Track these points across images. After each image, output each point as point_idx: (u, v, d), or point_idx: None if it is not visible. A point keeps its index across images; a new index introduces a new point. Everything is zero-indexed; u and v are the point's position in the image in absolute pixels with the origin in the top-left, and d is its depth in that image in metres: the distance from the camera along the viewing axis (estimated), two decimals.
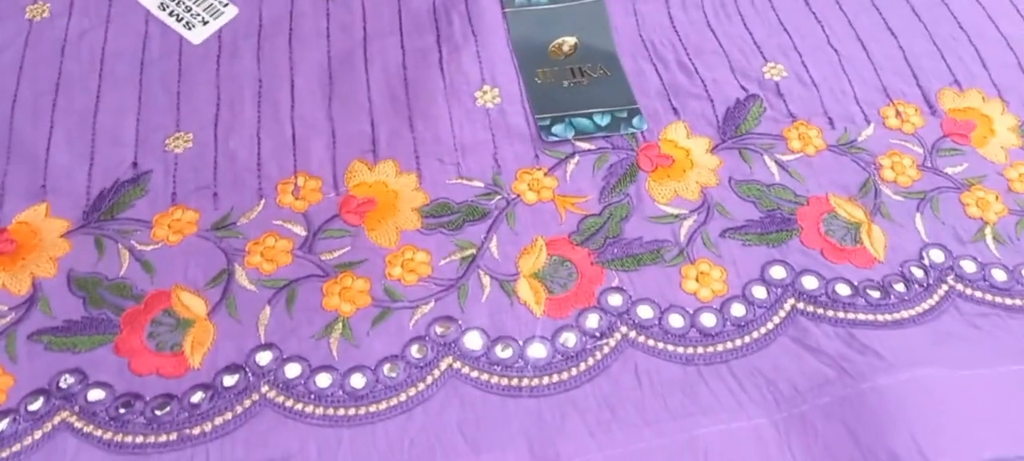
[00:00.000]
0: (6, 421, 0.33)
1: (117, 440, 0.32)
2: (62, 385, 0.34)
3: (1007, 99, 0.44)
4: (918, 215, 0.39)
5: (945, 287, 0.37)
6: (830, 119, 0.43)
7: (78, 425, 0.33)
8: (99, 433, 0.33)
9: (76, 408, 0.33)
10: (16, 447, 0.32)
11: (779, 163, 0.41)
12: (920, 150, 0.42)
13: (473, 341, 0.35)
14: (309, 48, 0.45)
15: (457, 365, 0.35)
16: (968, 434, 0.31)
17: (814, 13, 0.47)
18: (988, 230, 0.39)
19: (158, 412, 0.33)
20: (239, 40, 0.45)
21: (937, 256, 0.38)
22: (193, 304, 0.36)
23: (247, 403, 0.33)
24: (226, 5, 0.45)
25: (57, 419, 0.33)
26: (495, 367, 0.35)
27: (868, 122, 0.43)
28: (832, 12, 0.48)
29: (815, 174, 0.41)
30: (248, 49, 0.45)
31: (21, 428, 0.33)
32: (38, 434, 0.32)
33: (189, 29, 0.45)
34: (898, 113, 0.43)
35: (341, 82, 0.44)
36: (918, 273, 0.37)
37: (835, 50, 0.46)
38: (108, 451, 0.32)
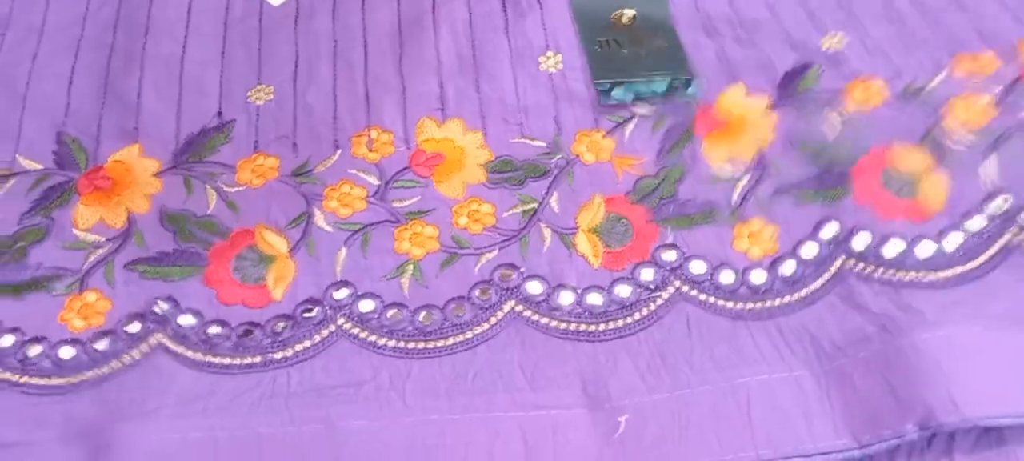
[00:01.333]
0: (106, 341, 0.36)
1: (207, 360, 0.35)
2: (156, 310, 0.37)
3: None
4: (985, 161, 0.40)
5: (1006, 238, 0.38)
6: (897, 70, 0.44)
7: (171, 346, 0.36)
8: (190, 354, 0.36)
9: (169, 331, 0.36)
10: (116, 364, 0.35)
11: (840, 116, 0.42)
12: (998, 88, 0.42)
13: (534, 287, 0.38)
14: (380, 10, 0.48)
15: (519, 308, 0.37)
16: (1002, 389, 0.33)
17: None
18: None
19: (244, 338, 0.36)
20: (315, 2, 0.48)
21: (1002, 204, 0.38)
22: (275, 242, 0.39)
23: (325, 333, 0.36)
24: None
25: (152, 340, 0.36)
26: (554, 312, 0.37)
27: (939, 70, 0.43)
28: None
29: (877, 125, 0.42)
30: (324, 10, 0.47)
31: (119, 347, 0.36)
32: (136, 353, 0.36)
33: None
34: (972, 58, 0.43)
35: (411, 43, 0.46)
36: (976, 224, 0.38)
37: (896, 22, 0.46)
38: (200, 370, 0.35)
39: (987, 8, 0.46)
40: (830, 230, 0.39)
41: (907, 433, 0.33)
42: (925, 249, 0.38)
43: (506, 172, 0.41)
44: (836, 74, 0.44)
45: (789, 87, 0.44)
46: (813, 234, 0.39)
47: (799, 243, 0.39)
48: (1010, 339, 0.35)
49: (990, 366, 0.34)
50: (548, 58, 0.46)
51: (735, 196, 0.40)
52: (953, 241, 0.38)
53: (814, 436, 0.33)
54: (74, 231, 0.39)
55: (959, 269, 0.37)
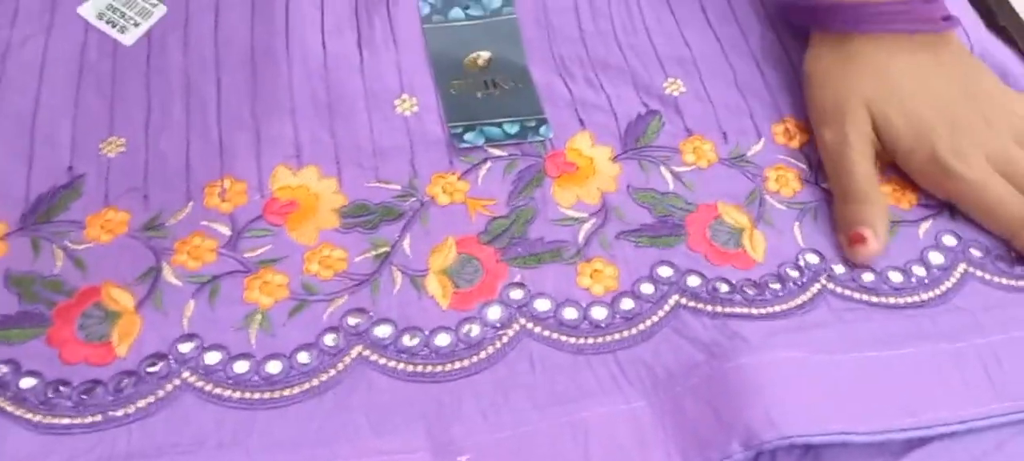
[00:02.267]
0: None
1: (46, 422, 0.35)
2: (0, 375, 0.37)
3: None
4: (797, 224, 0.43)
5: (817, 286, 0.41)
6: (724, 133, 0.47)
7: (9, 408, 0.35)
8: (28, 416, 0.35)
9: (9, 394, 0.36)
10: None
11: (674, 173, 0.45)
12: (805, 165, 0.46)
13: (383, 331, 0.38)
14: (232, 40, 0.47)
15: (367, 353, 0.38)
16: (817, 409, 0.35)
17: (713, 28, 0.51)
18: None
19: (85, 396, 0.36)
20: (167, 35, 0.48)
21: (813, 259, 0.42)
22: (121, 298, 0.39)
23: (169, 388, 0.36)
24: (156, 4, 0.48)
25: None
26: (401, 354, 0.38)
27: (760, 137, 0.47)
28: (730, 29, 0.52)
29: (706, 183, 0.45)
30: (175, 43, 0.47)
31: None
32: None
33: (122, 32, 0.47)
34: (787, 130, 0.47)
35: (264, 80, 0.46)
36: (793, 273, 0.41)
37: (731, 66, 0.50)
38: (37, 431, 0.35)
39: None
40: (665, 271, 0.41)
41: (733, 452, 0.34)
42: (749, 290, 0.40)
43: (360, 216, 0.42)
44: (673, 130, 0.47)
45: (631, 140, 0.46)
46: (650, 274, 0.41)
47: (637, 281, 0.41)
48: (825, 365, 0.37)
49: (806, 388, 0.36)
50: (403, 101, 0.47)
51: (581, 236, 0.42)
52: (775, 285, 0.41)
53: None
54: None
55: (780, 306, 0.40)
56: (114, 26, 0.47)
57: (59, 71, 0.47)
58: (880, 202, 0.43)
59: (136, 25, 0.47)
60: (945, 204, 0.44)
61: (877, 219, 0.42)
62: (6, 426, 0.35)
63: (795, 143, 0.47)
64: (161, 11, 0.48)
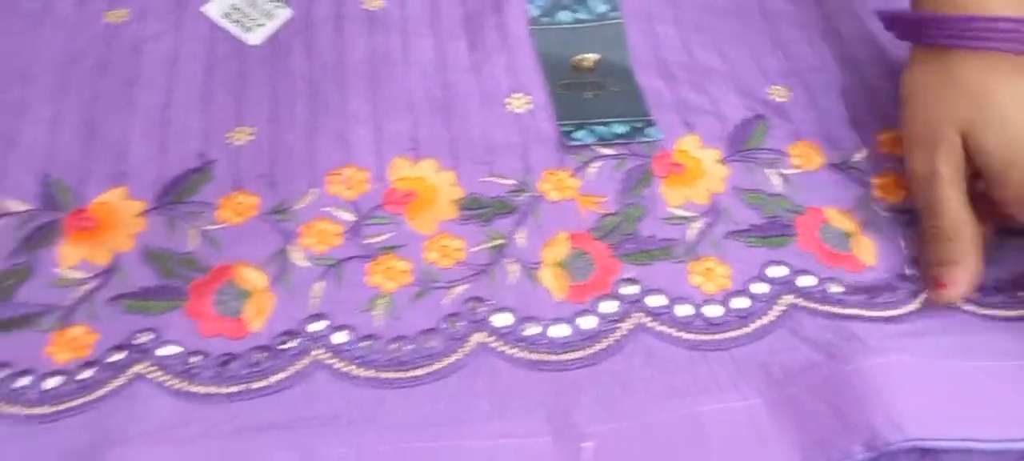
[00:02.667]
0: (90, 371, 0.37)
1: (187, 390, 0.37)
2: (137, 341, 0.39)
3: None
4: (903, 231, 0.44)
5: (925, 293, 0.42)
6: (830, 139, 0.48)
7: (152, 376, 0.37)
8: (171, 383, 0.37)
9: (151, 361, 0.38)
10: (100, 392, 0.37)
11: (782, 176, 0.46)
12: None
13: (502, 319, 0.40)
14: (353, 49, 0.50)
15: (488, 340, 0.39)
16: (940, 414, 0.36)
17: (814, 42, 0.52)
18: None
19: (222, 368, 0.38)
20: (292, 41, 0.50)
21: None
22: (253, 277, 0.41)
23: (301, 364, 0.38)
24: (280, 7, 0.51)
25: (134, 370, 0.37)
26: (520, 343, 0.39)
27: (864, 145, 0.48)
28: (833, 41, 0.52)
29: (813, 187, 0.45)
30: (299, 48, 0.50)
31: (103, 376, 0.37)
32: (117, 382, 0.37)
33: (247, 32, 0.50)
34: (892, 139, 0.48)
35: (383, 82, 0.48)
36: (903, 280, 0.42)
37: (835, 78, 0.50)
38: (179, 399, 0.37)
39: None
40: (777, 271, 0.42)
41: (854, 454, 0.35)
42: (862, 293, 0.41)
43: (475, 209, 0.44)
44: (781, 133, 0.47)
45: (737, 143, 0.47)
46: (761, 274, 0.42)
47: (749, 281, 0.41)
48: (944, 369, 0.37)
49: (928, 392, 0.37)
50: (515, 100, 0.48)
51: (690, 235, 0.43)
52: (885, 290, 0.41)
53: (770, 458, 0.36)
54: (57, 270, 0.41)
55: (893, 311, 0.40)
56: (239, 26, 0.50)
57: (189, 66, 0.49)
58: (970, 236, 0.41)
59: (261, 26, 0.50)
60: None
61: (967, 256, 0.40)
62: (149, 393, 0.37)
63: (900, 152, 0.47)
64: (285, 14, 0.50)
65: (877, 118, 0.49)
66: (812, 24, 0.54)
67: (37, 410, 0.36)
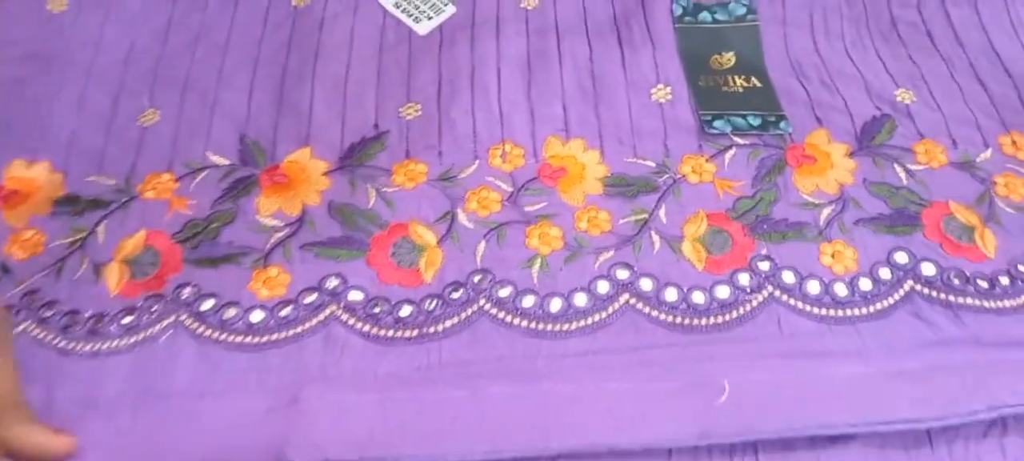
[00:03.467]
0: (288, 309, 0.43)
1: (374, 333, 0.42)
2: (328, 285, 0.44)
3: None
4: None
5: None
6: (953, 140, 0.50)
7: (344, 318, 0.43)
8: (360, 325, 0.42)
9: (341, 304, 0.43)
10: (298, 329, 0.42)
11: (907, 171, 0.49)
12: None
13: (646, 284, 0.44)
14: (511, 43, 0.55)
15: (633, 301, 0.43)
16: None
17: (939, 51, 0.55)
18: None
19: (401, 314, 0.43)
20: (456, 33, 0.55)
21: None
22: (425, 234, 0.46)
23: (469, 312, 0.43)
24: (446, 4, 0.56)
25: (327, 311, 0.43)
26: (662, 306, 0.43)
27: (987, 146, 0.50)
28: (954, 51, 0.55)
29: (937, 183, 0.48)
30: (463, 40, 0.55)
31: (300, 315, 0.43)
32: (314, 322, 0.42)
33: (416, 22, 0.55)
34: (1014, 142, 0.50)
35: (538, 71, 0.53)
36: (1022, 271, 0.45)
37: (958, 84, 0.53)
38: (367, 340, 0.42)
39: None
40: (901, 257, 0.45)
41: (977, 412, 0.38)
42: (982, 283, 0.43)
43: (620, 186, 0.48)
44: (906, 132, 0.50)
45: (865, 139, 0.50)
46: (887, 259, 0.45)
47: (875, 265, 0.44)
48: None
49: None
50: (659, 90, 0.52)
51: (822, 220, 0.46)
52: (1004, 280, 0.44)
53: (892, 410, 0.39)
54: (257, 217, 0.46)
55: (1010, 302, 0.43)
56: (409, 16, 0.55)
57: (364, 46, 0.55)
58: None
59: (429, 18, 0.55)
60: None
61: None
62: (341, 334, 0.42)
63: (1022, 155, 0.49)
64: (450, 10, 0.56)
65: (998, 122, 0.51)
66: (938, 34, 0.56)
67: (246, 339, 0.42)
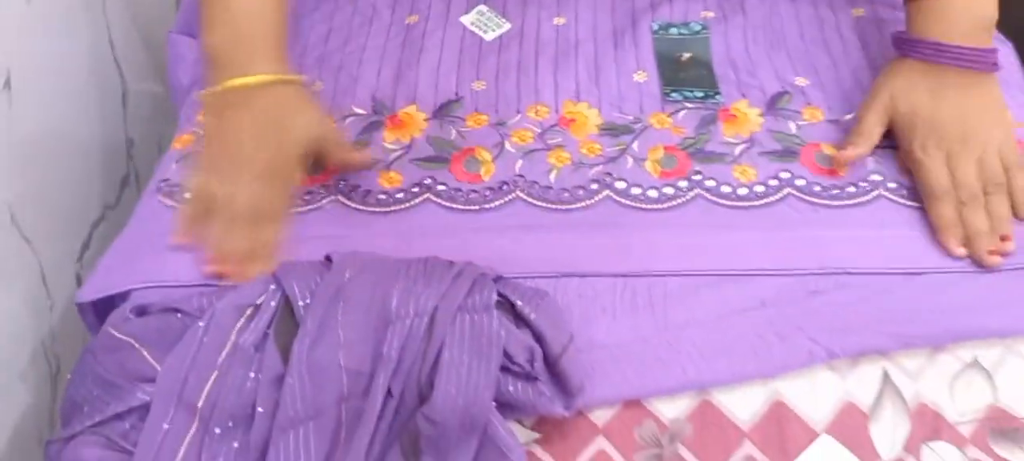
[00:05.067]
0: (402, 194, 0.69)
1: (456, 208, 0.68)
2: (425, 182, 0.70)
3: None
4: (872, 156, 0.70)
5: (875, 192, 0.67)
6: (829, 107, 0.74)
7: (434, 199, 0.69)
8: (449, 204, 0.68)
9: (433, 192, 0.69)
10: (407, 205, 0.68)
11: (797, 125, 0.73)
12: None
13: (620, 185, 0.68)
14: (545, 47, 0.81)
15: (610, 194, 0.68)
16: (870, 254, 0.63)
17: (830, 54, 0.80)
18: None
19: (469, 197, 0.68)
20: (511, 40, 0.83)
21: (876, 177, 0.69)
22: (485, 155, 0.72)
23: (510, 197, 0.68)
24: (504, 23, 0.83)
25: (425, 196, 0.69)
26: (629, 198, 0.67)
27: (850, 112, 0.74)
28: (839, 53, 0.79)
29: (815, 132, 0.72)
30: (514, 44, 0.82)
31: (409, 197, 0.69)
32: (417, 201, 0.69)
33: (485, 33, 0.83)
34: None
35: (561, 62, 0.79)
36: (863, 185, 0.68)
37: (836, 73, 0.77)
38: (454, 214, 0.67)
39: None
40: (785, 174, 0.69)
41: (811, 269, 0.62)
42: (835, 190, 0.67)
43: (610, 130, 0.74)
44: (797, 102, 0.76)
45: (772, 105, 0.76)
46: (776, 175, 0.69)
47: (768, 178, 0.69)
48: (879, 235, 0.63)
49: (865, 243, 0.63)
50: (639, 74, 0.79)
51: (737, 152, 0.71)
52: (850, 189, 0.68)
53: (767, 261, 0.63)
54: (383, 143, 0.74)
55: (849, 202, 0.67)
56: (480, 29, 0.83)
57: (451, 46, 0.83)
58: (869, 137, 0.69)
59: (494, 31, 0.83)
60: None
61: (862, 144, 0.69)
62: (433, 209, 0.68)
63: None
64: (507, 26, 0.84)
65: (861, 95, 0.75)
66: (829, 40, 0.81)
67: (377, 208, 0.69)
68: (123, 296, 0.64)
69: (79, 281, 0.87)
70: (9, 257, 0.77)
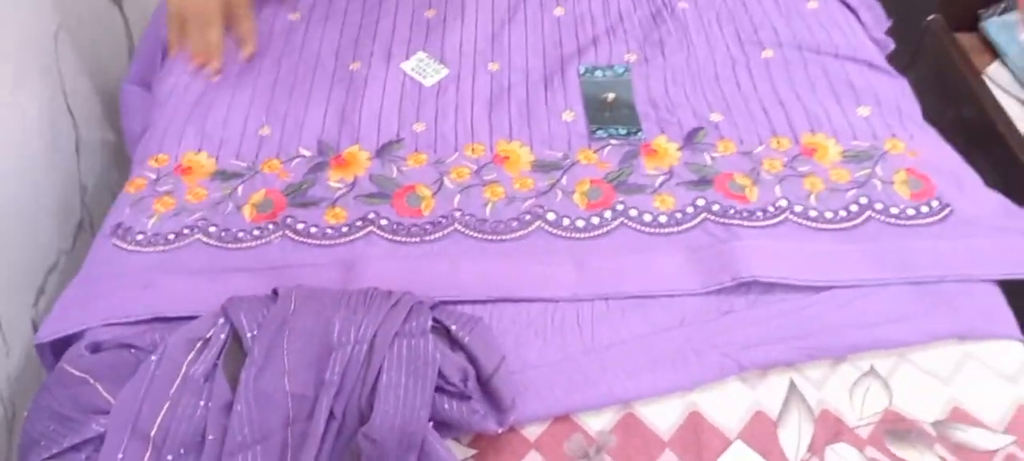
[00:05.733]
0: (347, 227, 0.73)
1: (394, 239, 0.71)
2: (368, 217, 0.73)
3: None
4: (778, 186, 0.75)
5: (785, 218, 0.72)
6: (741, 140, 0.80)
7: (377, 232, 0.72)
8: (387, 236, 0.72)
9: (376, 226, 0.72)
10: (352, 237, 0.72)
11: (711, 157, 0.79)
12: (785, 159, 0.78)
13: (551, 216, 0.73)
14: (481, 90, 0.86)
15: (542, 226, 0.72)
16: (776, 265, 0.67)
17: (741, 91, 0.86)
18: None
19: (409, 230, 0.72)
20: (448, 84, 0.88)
21: (783, 203, 0.74)
22: (425, 191, 0.75)
23: (448, 230, 0.71)
24: (442, 68, 0.88)
25: (368, 230, 0.72)
26: (558, 228, 0.72)
27: (761, 143, 0.80)
28: (746, 94, 0.86)
29: (726, 163, 0.78)
30: (452, 88, 0.87)
31: (353, 230, 0.72)
32: (361, 234, 0.72)
33: (424, 79, 0.87)
34: (777, 142, 0.80)
35: (496, 104, 0.84)
36: (771, 208, 0.73)
37: (748, 111, 0.83)
38: (391, 244, 0.71)
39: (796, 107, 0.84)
40: (701, 201, 0.74)
41: (725, 281, 0.67)
42: (747, 213, 0.73)
43: (541, 166, 0.79)
44: (713, 135, 0.81)
45: (689, 140, 0.81)
46: (693, 202, 0.74)
47: (685, 205, 0.74)
48: (785, 248, 0.69)
49: (769, 256, 0.68)
50: (567, 113, 0.84)
51: (656, 184, 0.77)
52: (759, 214, 0.73)
53: (685, 281, 0.68)
54: (329, 182, 0.78)
55: (762, 224, 0.72)
56: (420, 75, 0.88)
57: (392, 91, 0.87)
58: None
59: (432, 76, 0.88)
60: None
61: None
62: (376, 239, 0.72)
63: (781, 149, 0.79)
64: (445, 71, 0.89)
65: (769, 131, 0.82)
66: (741, 79, 0.87)
67: (323, 242, 0.73)
68: (78, 336, 0.67)
69: (35, 327, 0.88)
70: None
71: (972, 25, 1.35)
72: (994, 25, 1.30)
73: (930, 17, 1.39)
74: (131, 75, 0.92)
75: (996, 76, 1.26)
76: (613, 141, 0.81)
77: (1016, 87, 1.23)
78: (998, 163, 1.18)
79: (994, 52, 1.28)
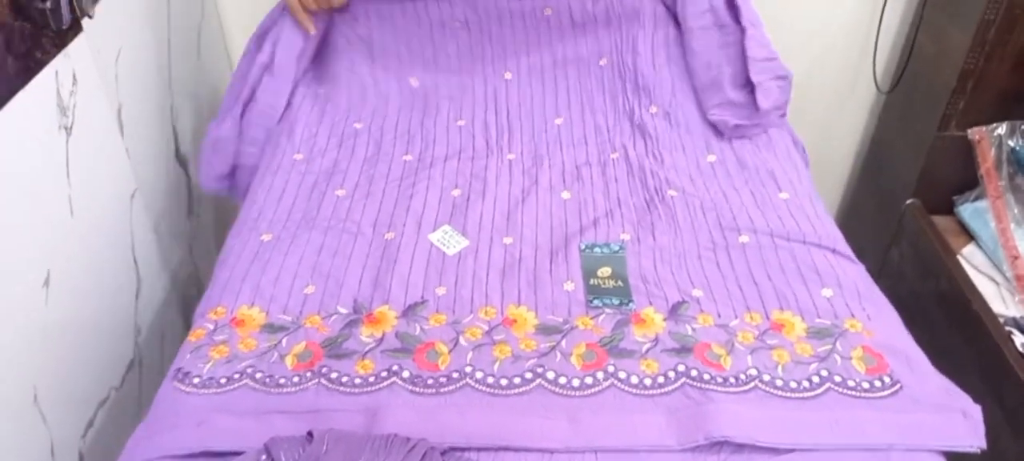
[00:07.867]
0: (374, 377, 0.83)
1: (414, 390, 0.82)
2: (392, 368, 0.84)
3: None
4: (750, 355, 0.85)
5: (756, 382, 0.82)
6: (719, 314, 0.90)
7: (399, 384, 0.82)
8: (409, 388, 0.82)
9: (399, 378, 0.83)
10: (378, 386, 0.82)
11: (692, 327, 0.88)
12: (756, 333, 0.88)
13: (551, 375, 0.82)
14: (496, 262, 0.98)
15: (543, 384, 0.82)
16: (753, 429, 0.75)
17: (720, 270, 0.97)
18: None
19: (427, 383, 0.83)
20: (468, 254, 0.99)
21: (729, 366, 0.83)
22: (441, 348, 0.86)
23: (462, 384, 0.81)
24: (463, 240, 1.00)
25: (391, 381, 0.82)
26: (557, 386, 0.82)
27: (736, 317, 0.90)
28: (727, 271, 0.96)
29: (706, 334, 0.87)
30: (471, 259, 0.98)
31: (379, 381, 0.82)
32: (386, 385, 0.82)
33: (447, 249, 0.99)
34: (751, 317, 0.90)
35: (507, 276, 0.96)
36: (747, 378, 0.83)
37: (726, 289, 0.94)
38: (414, 395, 0.81)
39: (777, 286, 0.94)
40: (681, 367, 0.84)
41: (699, 439, 0.75)
42: (732, 380, 0.82)
43: (544, 329, 0.88)
44: (694, 309, 0.91)
45: (673, 311, 0.91)
46: (674, 367, 0.84)
47: (668, 370, 0.83)
48: (760, 414, 0.78)
49: (744, 420, 0.77)
50: (568, 283, 0.95)
51: (643, 349, 0.86)
52: (731, 380, 0.82)
53: (667, 438, 0.77)
54: (360, 337, 0.88)
55: (732, 390, 0.81)
56: (444, 246, 1.00)
57: (419, 259, 0.99)
58: None
59: (455, 247, 1.00)
60: None
61: None
62: (399, 389, 0.81)
63: (753, 323, 0.89)
64: (466, 242, 1.01)
65: (743, 307, 0.92)
66: (720, 261, 0.98)
67: (353, 390, 0.82)
68: None
69: (81, 457, 0.98)
70: (27, 434, 0.87)
71: (949, 209, 1.48)
72: (967, 210, 1.43)
73: (909, 201, 1.54)
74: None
75: (971, 257, 1.37)
76: (607, 310, 0.91)
77: (990, 267, 1.34)
78: (972, 339, 1.28)
79: (969, 234, 1.40)
